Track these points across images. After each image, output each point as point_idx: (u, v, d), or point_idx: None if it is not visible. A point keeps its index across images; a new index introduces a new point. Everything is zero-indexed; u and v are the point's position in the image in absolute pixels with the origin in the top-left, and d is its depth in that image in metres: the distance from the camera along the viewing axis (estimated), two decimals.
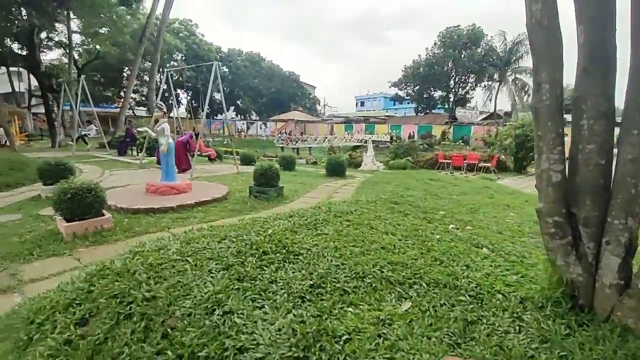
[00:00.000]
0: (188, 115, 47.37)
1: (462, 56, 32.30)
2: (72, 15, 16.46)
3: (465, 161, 11.39)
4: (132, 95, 37.54)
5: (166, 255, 2.13)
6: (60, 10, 13.13)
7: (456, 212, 4.06)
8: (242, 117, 51.18)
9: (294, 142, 28.43)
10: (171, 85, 11.56)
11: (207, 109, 19.06)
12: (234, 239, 2.40)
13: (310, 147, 29.94)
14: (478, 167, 11.99)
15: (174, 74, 39.21)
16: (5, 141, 16.83)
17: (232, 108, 50.43)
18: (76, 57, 23.70)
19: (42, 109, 33.80)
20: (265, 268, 1.96)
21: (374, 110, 62.24)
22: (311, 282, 1.80)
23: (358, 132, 42.22)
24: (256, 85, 47.08)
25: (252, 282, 1.80)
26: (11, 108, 21.80)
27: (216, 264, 1.99)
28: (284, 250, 2.21)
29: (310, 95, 61.00)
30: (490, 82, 33.62)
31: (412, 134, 38.28)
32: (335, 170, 10.46)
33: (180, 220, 4.98)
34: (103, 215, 4.35)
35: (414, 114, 48.39)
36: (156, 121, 10.48)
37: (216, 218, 5.17)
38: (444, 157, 12.64)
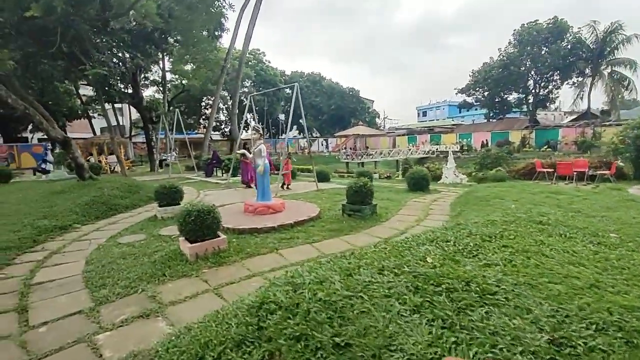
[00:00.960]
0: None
1: (543, 53, 29.01)
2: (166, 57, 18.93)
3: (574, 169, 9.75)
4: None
5: (333, 290, 1.89)
6: (159, 51, 15.09)
7: (630, 233, 3.24)
8: (304, 135, 52.83)
9: (359, 157, 28.14)
10: (253, 110, 12.19)
11: (295, 128, 19.80)
12: (396, 270, 2.10)
13: (375, 162, 29.38)
14: (589, 175, 10.22)
15: (244, 99, 42.55)
16: (114, 167, 19.67)
17: (294, 127, 52.54)
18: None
19: (139, 139, 39.40)
20: (467, 312, 1.60)
21: (437, 119, 59.28)
22: (549, 338, 1.38)
23: (423, 143, 40.35)
24: (317, 103, 48.48)
25: (467, 331, 1.45)
26: (118, 139, 25.50)
27: (400, 304, 1.70)
28: (471, 287, 1.83)
29: (370, 109, 60.69)
30: (580, 79, 29.51)
31: (485, 142, 35.26)
32: (419, 184, 9.83)
33: (284, 240, 4.93)
34: (219, 236, 4.47)
35: (485, 120, 44.77)
36: (244, 145, 11.13)
37: (319, 239, 5.02)
38: (542, 165, 11.07)
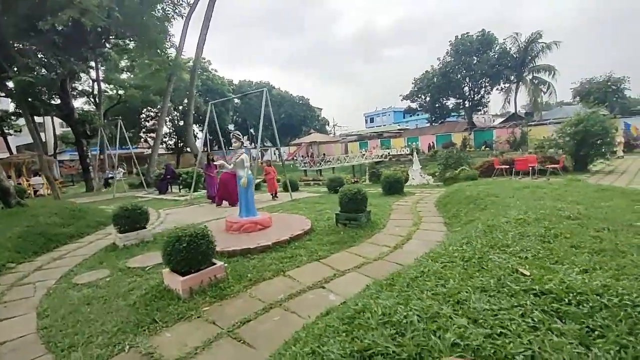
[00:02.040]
0: (204, 148, 48.19)
1: (475, 62, 32.04)
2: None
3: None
4: (151, 134, 38.16)
5: (470, 331, 1.45)
6: (95, 56, 13.23)
7: None
8: (255, 145, 51.48)
9: (317, 164, 28.01)
10: (215, 118, 11.24)
11: (259, 139, 18.76)
12: (505, 291, 1.73)
13: (333, 168, 29.51)
14: (541, 170, 11.19)
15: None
16: (38, 190, 16.79)
17: (245, 137, 50.97)
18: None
19: (65, 156, 34.60)
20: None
21: (384, 125, 62.03)
22: None
23: (374, 148, 41.78)
24: (267, 112, 47.52)
25: None
26: (45, 157, 22.04)
27: (557, 335, 1.32)
28: (612, 300, 1.53)
29: (319, 117, 61.43)
30: (507, 85, 33.13)
31: (431, 144, 37.65)
32: (394, 187, 9.84)
33: (286, 260, 4.34)
34: (214, 263, 3.74)
35: (427, 124, 47.94)
36: (207, 157, 10.17)
37: (324, 254, 4.51)
38: (499, 162, 11.87)
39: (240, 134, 5.73)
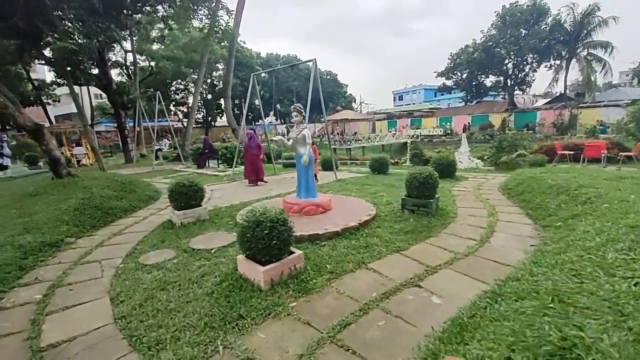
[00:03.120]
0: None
1: (524, 35, 29.32)
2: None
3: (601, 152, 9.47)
4: (181, 107, 38.46)
5: None
6: (133, 23, 12.85)
7: None
8: (282, 121, 50.97)
9: (348, 143, 27.22)
10: (258, 91, 10.76)
11: (272, 114, 18.40)
12: None
13: (363, 147, 28.65)
14: (609, 157, 10.05)
15: (217, 84, 39.77)
16: (79, 160, 17.24)
17: (271, 112, 50.48)
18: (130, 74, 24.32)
19: (100, 127, 35.60)
20: None
21: (414, 103, 59.48)
22: None
23: (403, 127, 40.10)
24: (295, 87, 46.56)
25: None
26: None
27: None
28: None
29: (346, 93, 59.61)
30: (558, 62, 30.29)
31: (467, 125, 35.64)
32: (447, 171, 9.15)
33: (362, 250, 3.93)
34: (292, 252, 3.37)
35: (461, 104, 45.33)
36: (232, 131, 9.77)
37: (403, 245, 4.06)
38: (562, 147, 10.78)
39: (301, 106, 5.21)
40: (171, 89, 34.47)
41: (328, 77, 51.27)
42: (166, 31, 22.30)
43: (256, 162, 9.00)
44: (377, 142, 29.21)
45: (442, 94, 54.48)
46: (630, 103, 25.59)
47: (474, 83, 37.69)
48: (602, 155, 9.29)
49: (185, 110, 40.82)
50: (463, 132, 33.38)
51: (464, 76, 37.41)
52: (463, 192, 7.14)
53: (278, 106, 49.24)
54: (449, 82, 40.10)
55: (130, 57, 22.40)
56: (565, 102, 29.32)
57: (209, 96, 38.70)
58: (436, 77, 40.54)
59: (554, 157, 10.69)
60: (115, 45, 17.16)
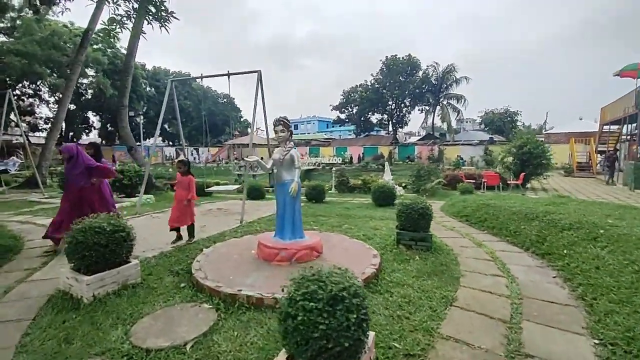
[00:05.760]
0: (103, 141, 39.59)
1: (403, 81, 34.79)
2: None
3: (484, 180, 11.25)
4: (26, 117, 29.65)
5: None
6: None
7: None
8: (170, 143, 45.27)
9: (255, 169, 25.64)
10: (176, 100, 8.63)
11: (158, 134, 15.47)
12: None
13: (270, 173, 27.41)
14: (504, 185, 12.01)
15: (83, 92, 32.54)
16: None
17: (157, 133, 44.22)
18: None
19: None
20: None
21: (309, 133, 62.45)
22: None
23: (302, 155, 41.15)
24: (187, 106, 42.33)
25: None
26: None
27: None
28: None
29: (242, 118, 58.04)
30: (426, 107, 36.92)
31: (360, 155, 39.10)
32: (388, 199, 9.08)
33: (410, 307, 2.96)
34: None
35: (352, 136, 49.97)
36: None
37: (447, 294, 3.26)
38: (465, 176, 12.38)
39: (287, 119, 3.99)
40: (15, 92, 26.18)
41: (225, 100, 48.89)
42: (18, 22, 16.94)
43: (87, 197, 4.72)
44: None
45: (335, 126, 59.06)
46: (478, 143, 32.95)
47: (362, 118, 42.21)
48: (499, 183, 11.09)
49: (30, 121, 31.84)
50: (358, 161, 36.60)
51: (354, 111, 41.54)
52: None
53: (166, 126, 43.61)
54: (343, 116, 43.76)
55: None
56: (434, 140, 35.69)
57: (72, 106, 31.06)
58: (331, 110, 43.76)
59: (455, 185, 12.14)
60: None
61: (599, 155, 20.55)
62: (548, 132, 35.74)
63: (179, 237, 5.03)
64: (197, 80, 10.00)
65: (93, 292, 3.00)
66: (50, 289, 3.28)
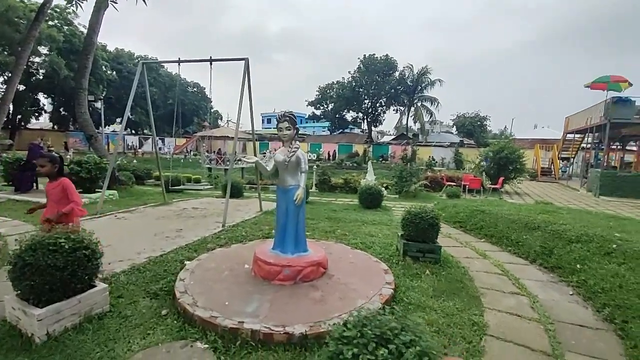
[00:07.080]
0: (54, 126, 35.93)
1: (379, 81, 34.92)
2: None
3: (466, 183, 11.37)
4: None
5: None
6: None
7: None
8: (133, 131, 42.25)
9: (227, 163, 24.39)
10: (147, 84, 7.66)
11: (119, 122, 14.07)
12: None
13: (242, 168, 26.34)
14: (484, 189, 12.16)
15: (34, 72, 29.28)
16: None
17: (118, 120, 41.03)
18: None
19: None
20: None
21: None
22: None
23: (275, 149, 40.20)
24: (152, 94, 39.60)
25: None
26: None
27: None
28: None
29: (212, 109, 55.59)
30: (401, 107, 37.40)
31: (333, 152, 38.85)
32: (375, 200, 8.78)
33: (441, 337, 2.55)
34: None
35: (326, 133, 49.60)
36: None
37: (475, 318, 2.91)
38: (447, 179, 12.42)
39: (294, 115, 3.43)
40: None
41: (195, 89, 46.47)
42: None
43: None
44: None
45: (307, 122, 58.37)
46: (449, 145, 33.94)
47: (337, 116, 41.98)
48: (483, 187, 11.22)
49: None
50: (332, 158, 36.37)
51: (329, 108, 41.19)
52: None
53: (129, 113, 40.55)
54: (318, 112, 43.24)
55: None
56: (408, 140, 36.29)
57: (21, 87, 27.80)
58: (307, 105, 43.06)
59: (443, 188, 12.17)
60: None
61: (561, 161, 21.82)
62: (512, 137, 37.67)
63: None
64: (169, 65, 9.01)
65: (47, 329, 2.29)
66: None
